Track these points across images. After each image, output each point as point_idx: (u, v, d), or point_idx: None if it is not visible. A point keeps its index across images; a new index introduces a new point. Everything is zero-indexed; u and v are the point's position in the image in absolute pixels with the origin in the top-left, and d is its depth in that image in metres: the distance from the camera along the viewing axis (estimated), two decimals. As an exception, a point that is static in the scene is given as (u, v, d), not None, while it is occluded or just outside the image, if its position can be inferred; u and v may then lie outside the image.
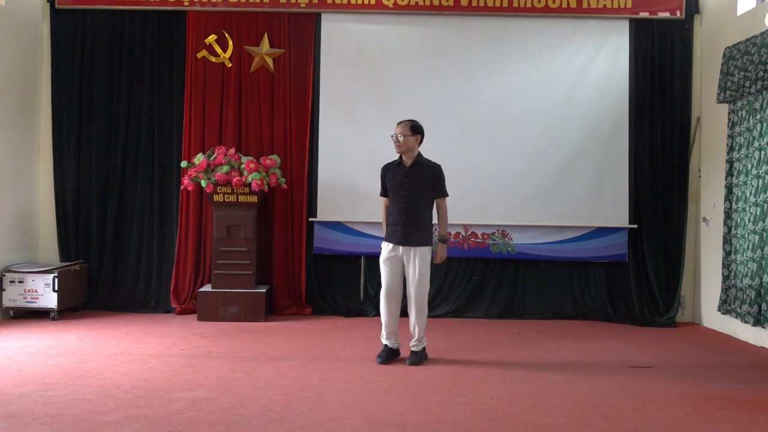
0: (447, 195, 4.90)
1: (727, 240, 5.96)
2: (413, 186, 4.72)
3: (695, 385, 4.34)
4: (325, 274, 6.77)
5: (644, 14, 6.65)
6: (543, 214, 6.64)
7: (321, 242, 6.70)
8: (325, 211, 6.70)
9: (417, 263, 4.70)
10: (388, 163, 4.93)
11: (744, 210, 5.72)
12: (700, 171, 6.70)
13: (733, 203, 5.90)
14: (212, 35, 6.64)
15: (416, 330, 4.79)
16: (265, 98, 6.70)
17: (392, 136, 4.78)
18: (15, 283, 6.03)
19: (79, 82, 6.71)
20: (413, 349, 4.82)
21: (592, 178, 6.64)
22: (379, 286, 6.65)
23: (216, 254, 6.31)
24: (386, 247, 4.79)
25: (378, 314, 6.53)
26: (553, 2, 6.63)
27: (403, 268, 4.77)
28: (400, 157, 4.79)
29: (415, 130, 4.76)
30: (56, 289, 6.02)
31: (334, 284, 6.77)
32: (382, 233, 4.95)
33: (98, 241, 6.71)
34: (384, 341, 4.85)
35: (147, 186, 6.73)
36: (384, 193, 4.93)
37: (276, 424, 3.44)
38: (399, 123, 4.80)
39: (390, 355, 4.80)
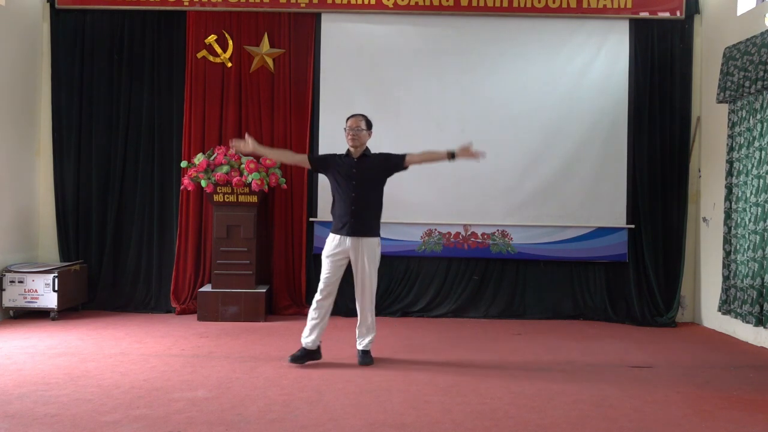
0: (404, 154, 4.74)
1: (728, 240, 5.96)
2: (363, 178, 4.64)
3: (695, 385, 4.34)
4: (325, 274, 6.76)
5: (644, 14, 6.65)
6: (543, 214, 6.64)
7: (321, 242, 6.62)
8: (325, 211, 6.66)
9: (366, 255, 4.62)
10: (336, 154, 4.83)
11: (744, 210, 5.72)
12: (700, 171, 6.70)
13: (734, 203, 5.90)
14: (212, 35, 6.64)
15: (369, 328, 4.74)
16: (265, 98, 6.70)
17: (345, 129, 4.68)
18: (15, 283, 6.03)
19: (79, 82, 6.71)
20: (366, 348, 4.76)
21: (591, 178, 6.65)
22: (380, 285, 6.67)
23: (216, 254, 6.31)
24: (332, 241, 4.68)
25: (378, 314, 6.54)
26: (553, 2, 6.63)
27: (347, 265, 4.69)
28: (348, 150, 4.72)
29: (369, 125, 4.73)
30: (56, 289, 6.02)
31: (334, 284, 6.76)
32: (305, 162, 4.88)
33: (98, 241, 6.71)
34: (306, 340, 4.65)
35: (147, 186, 6.73)
36: (313, 158, 4.83)
37: (276, 424, 3.44)
38: (351, 116, 4.74)
39: (306, 356, 4.64)
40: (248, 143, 4.74)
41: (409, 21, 6.71)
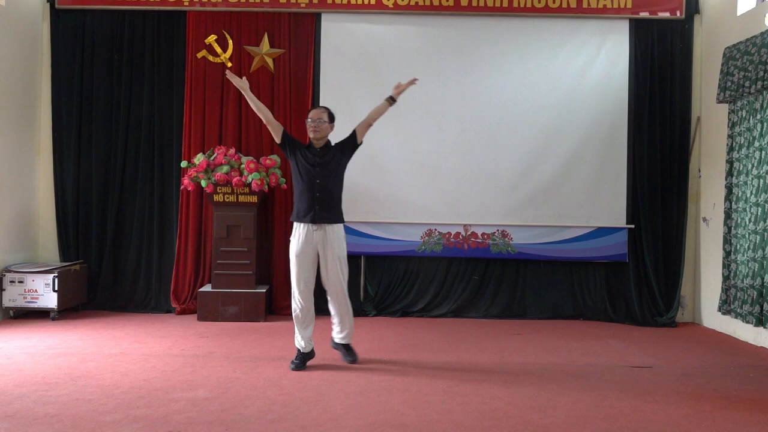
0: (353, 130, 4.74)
1: (728, 240, 5.96)
2: (327, 166, 4.61)
3: (695, 385, 4.34)
4: (325, 274, 6.76)
5: (644, 14, 6.65)
6: (543, 214, 6.64)
7: (321, 242, 6.68)
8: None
9: (335, 243, 4.59)
10: (299, 141, 4.79)
11: (744, 210, 5.72)
12: (700, 171, 6.70)
13: (734, 203, 5.90)
14: (212, 35, 6.64)
15: (347, 319, 4.71)
16: (265, 98, 6.68)
17: (307, 121, 4.65)
18: (15, 283, 6.03)
19: (79, 82, 6.71)
20: (347, 341, 4.73)
21: (591, 178, 6.65)
22: (380, 285, 6.74)
23: (216, 254, 6.31)
24: (299, 236, 4.59)
25: (378, 314, 6.60)
26: (553, 2, 6.63)
27: (317, 258, 4.64)
28: (309, 141, 4.70)
29: (332, 118, 4.71)
30: (56, 289, 6.02)
31: (334, 284, 6.76)
32: (277, 131, 4.72)
33: (98, 241, 6.71)
34: (296, 344, 4.65)
35: (147, 186, 6.73)
36: (287, 135, 4.72)
37: (276, 424, 3.44)
38: (314, 108, 4.73)
39: (304, 359, 4.62)
40: (244, 82, 4.71)
41: (409, 21, 6.71)
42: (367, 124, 4.74)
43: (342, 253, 4.65)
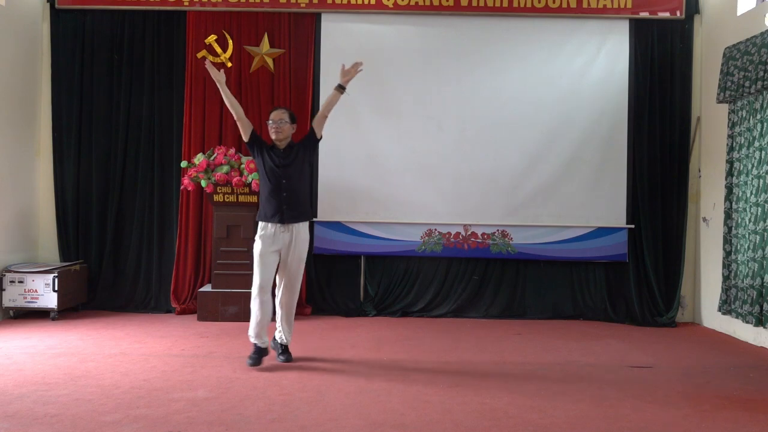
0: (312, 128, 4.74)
1: (728, 240, 5.96)
2: (292, 165, 4.61)
3: (695, 385, 4.34)
4: (325, 274, 6.77)
5: (644, 14, 6.65)
6: (543, 214, 6.65)
7: (321, 242, 6.70)
8: (325, 211, 6.70)
9: (300, 244, 4.60)
10: (265, 141, 4.77)
11: (744, 210, 5.72)
12: (700, 171, 6.70)
13: (734, 203, 5.90)
14: (212, 35, 6.64)
15: (292, 319, 4.71)
16: (265, 98, 6.69)
17: (269, 123, 4.63)
18: (15, 283, 6.03)
19: (79, 82, 6.71)
20: (287, 343, 4.74)
21: (591, 178, 6.65)
22: (380, 285, 6.74)
23: (216, 254, 6.31)
24: (266, 237, 4.57)
25: (378, 314, 6.60)
26: (553, 2, 6.63)
27: (279, 259, 4.63)
28: (273, 142, 4.69)
29: (293, 118, 4.71)
30: (56, 289, 6.02)
31: (334, 284, 6.77)
32: (247, 129, 4.70)
33: (98, 241, 6.71)
34: (255, 340, 4.62)
35: (147, 186, 6.73)
36: (255, 133, 4.71)
37: (276, 424, 3.44)
38: (275, 109, 4.71)
39: (262, 355, 4.62)
40: (221, 75, 4.67)
41: (409, 21, 6.71)
42: (323, 116, 4.75)
43: (304, 255, 4.68)
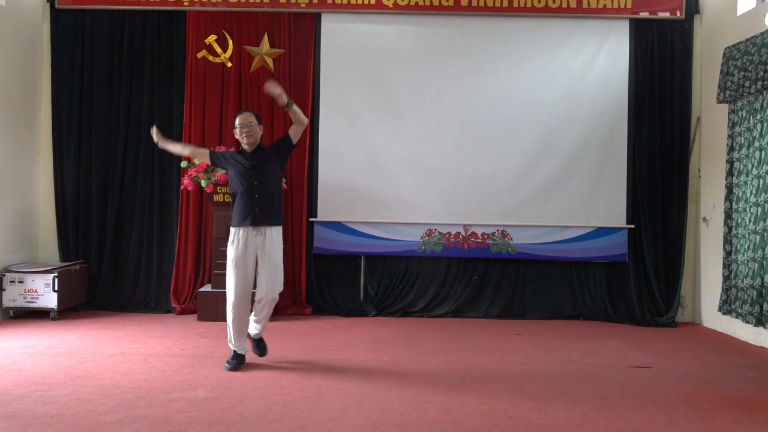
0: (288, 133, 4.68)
1: (728, 240, 5.96)
2: (262, 167, 4.56)
3: (695, 385, 4.34)
4: (325, 274, 6.77)
5: (644, 14, 6.65)
6: (543, 214, 6.65)
7: (321, 242, 6.70)
8: (325, 211, 6.70)
9: (274, 245, 4.53)
10: (230, 152, 4.75)
11: (744, 210, 5.72)
12: (700, 171, 6.70)
13: (734, 203, 5.90)
14: (212, 35, 6.64)
15: (267, 319, 4.65)
16: (265, 98, 6.67)
17: (237, 129, 4.55)
18: (15, 283, 6.04)
19: (79, 82, 6.72)
20: (260, 336, 4.68)
21: (591, 178, 6.65)
22: (380, 285, 6.74)
23: (216, 254, 6.30)
24: (238, 242, 4.49)
25: (378, 314, 6.60)
26: (553, 2, 6.64)
27: (255, 265, 4.55)
28: (240, 147, 4.63)
29: (260, 120, 4.67)
30: (56, 289, 6.02)
31: (334, 284, 6.77)
32: (205, 155, 4.70)
33: (98, 241, 6.72)
34: (235, 347, 4.56)
35: (147, 186, 6.73)
36: (213, 154, 4.70)
37: (276, 424, 3.44)
38: (240, 113, 4.64)
39: (241, 362, 4.54)
40: (163, 139, 4.67)
41: (409, 21, 6.71)
42: (295, 127, 4.63)
43: (279, 260, 4.59)
